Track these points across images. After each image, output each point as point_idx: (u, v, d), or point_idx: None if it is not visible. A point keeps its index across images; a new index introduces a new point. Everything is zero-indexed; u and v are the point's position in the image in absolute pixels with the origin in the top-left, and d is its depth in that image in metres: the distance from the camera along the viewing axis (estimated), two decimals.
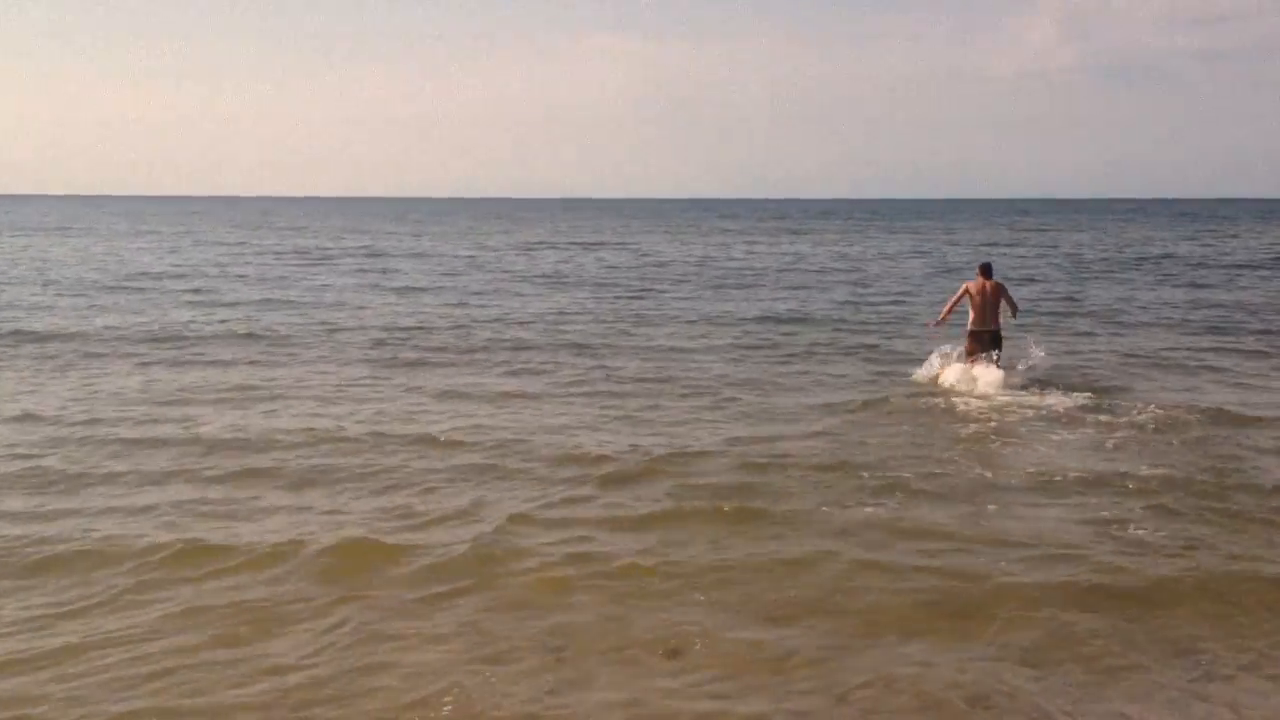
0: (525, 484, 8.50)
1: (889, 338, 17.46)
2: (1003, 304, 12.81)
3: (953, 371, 12.68)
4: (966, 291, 12.89)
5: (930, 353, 13.38)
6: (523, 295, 24.51)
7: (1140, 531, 7.30)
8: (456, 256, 39.72)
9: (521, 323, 19.20)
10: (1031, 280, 28.55)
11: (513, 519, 7.47)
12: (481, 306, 21.94)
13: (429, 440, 9.81)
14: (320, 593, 6.22)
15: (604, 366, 14.22)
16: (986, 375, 12.27)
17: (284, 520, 7.59)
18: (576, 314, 20.66)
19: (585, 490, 8.27)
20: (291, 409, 11.33)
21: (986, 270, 13.03)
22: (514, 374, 13.79)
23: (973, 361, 12.59)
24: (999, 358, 12.58)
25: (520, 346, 16.05)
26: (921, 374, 13.15)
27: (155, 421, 10.62)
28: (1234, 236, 53.83)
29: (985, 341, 12.64)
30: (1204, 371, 14.03)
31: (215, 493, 8.26)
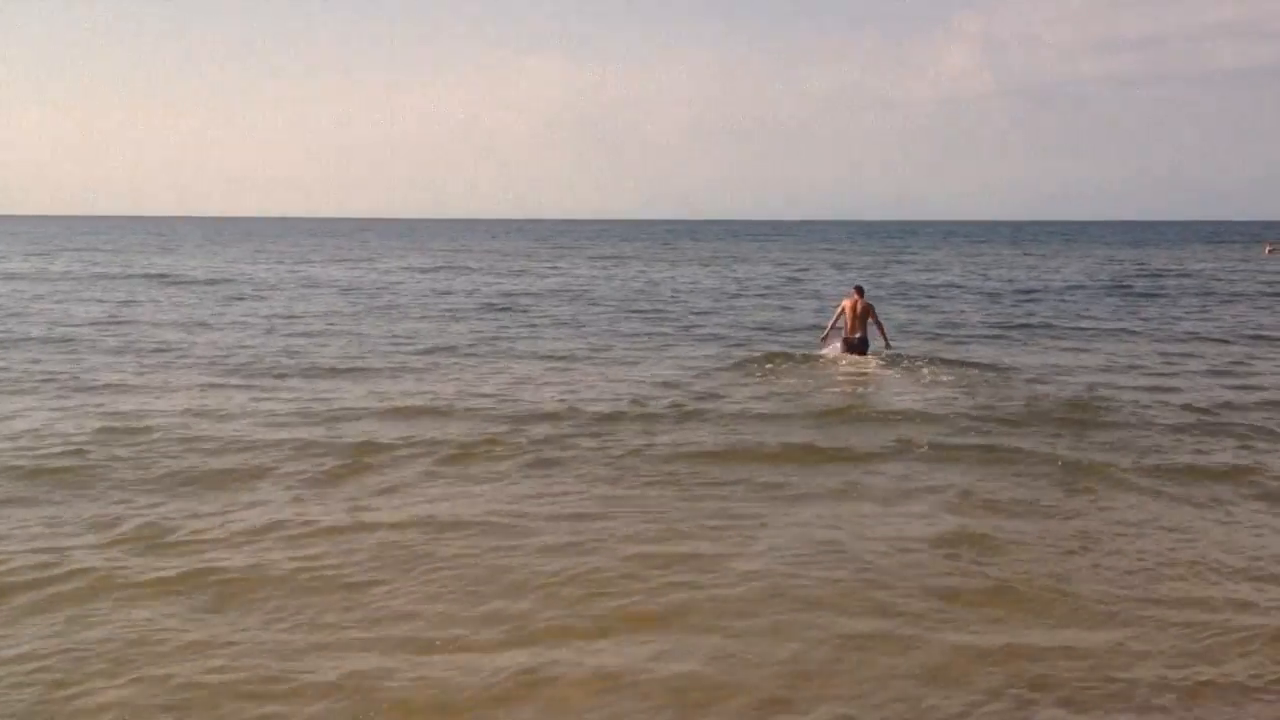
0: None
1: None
2: (870, 322, 15.75)
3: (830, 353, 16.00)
4: (843, 308, 15.92)
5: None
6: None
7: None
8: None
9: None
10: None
11: None
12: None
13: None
14: None
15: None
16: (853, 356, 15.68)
17: None
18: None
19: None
20: None
21: (860, 290, 16.06)
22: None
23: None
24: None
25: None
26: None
27: None
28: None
29: (855, 346, 15.70)
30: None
31: None
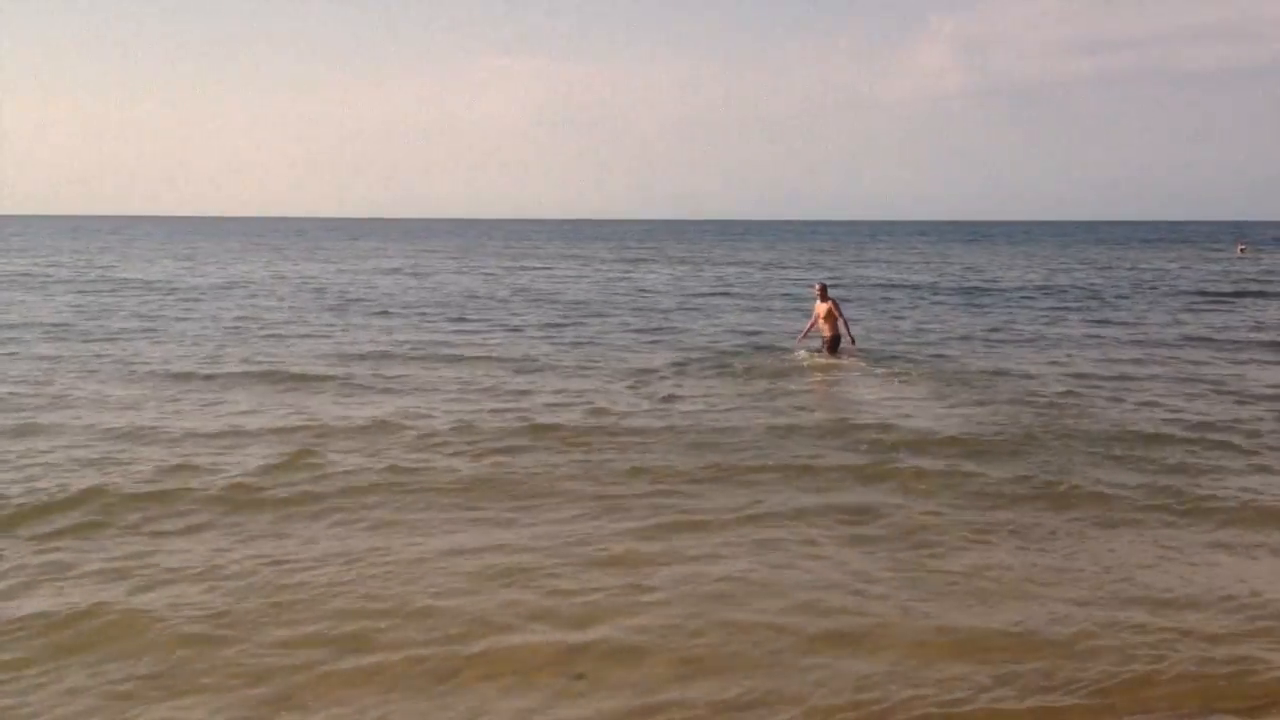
0: None
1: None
2: (839, 320, 16.68)
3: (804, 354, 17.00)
4: (815, 311, 16.94)
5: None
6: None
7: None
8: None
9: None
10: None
11: None
12: None
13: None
14: None
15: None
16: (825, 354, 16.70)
17: None
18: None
19: None
20: None
21: (823, 290, 17.07)
22: None
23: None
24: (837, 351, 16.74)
25: None
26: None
27: None
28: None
29: (829, 346, 16.73)
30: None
31: None
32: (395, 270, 44.58)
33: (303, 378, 14.71)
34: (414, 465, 9.57)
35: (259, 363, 16.22)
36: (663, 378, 14.95)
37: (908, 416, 12.02)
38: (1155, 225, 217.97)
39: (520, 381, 14.58)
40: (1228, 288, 34.04)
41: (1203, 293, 32.06)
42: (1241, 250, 64.12)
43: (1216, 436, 11.02)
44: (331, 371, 15.32)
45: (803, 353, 16.96)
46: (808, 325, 17.64)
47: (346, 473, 9.26)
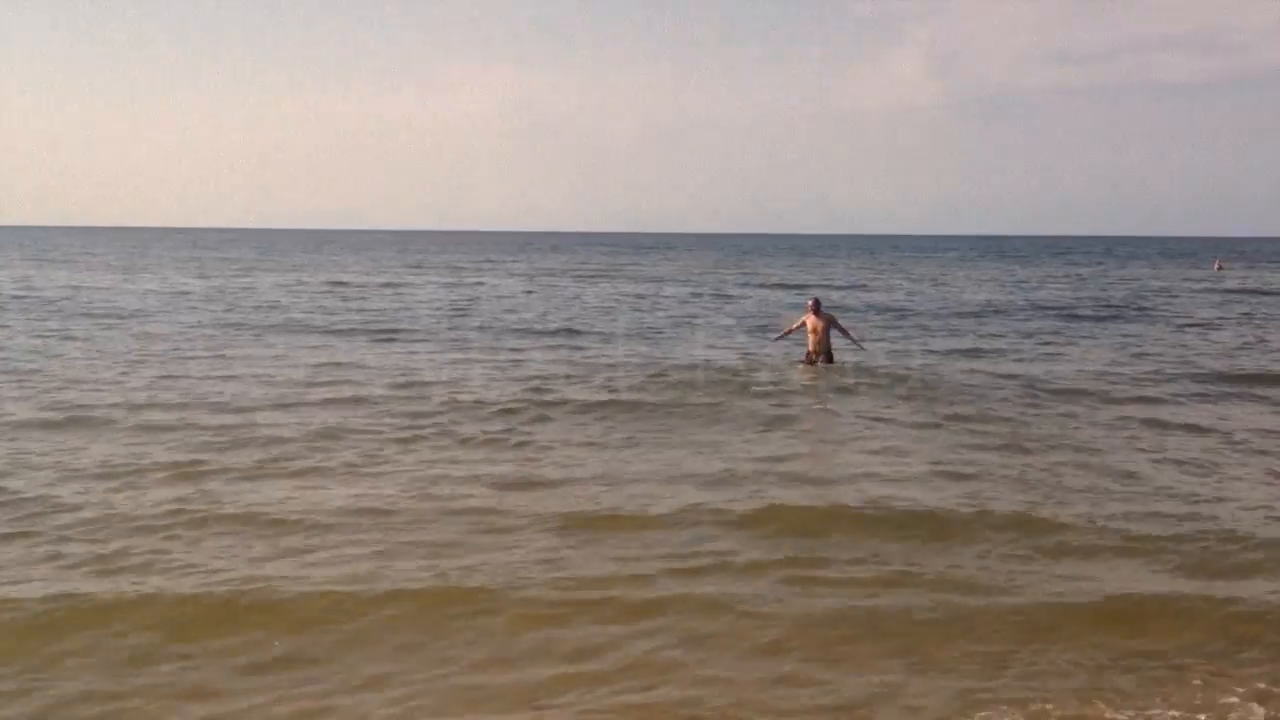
0: None
1: None
2: (834, 330, 15.98)
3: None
4: (803, 323, 16.11)
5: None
6: None
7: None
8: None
9: None
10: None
11: None
12: None
13: None
14: None
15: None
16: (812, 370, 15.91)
17: None
18: None
19: None
20: None
21: (816, 305, 16.18)
22: None
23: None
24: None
25: None
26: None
27: None
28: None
29: (815, 361, 15.90)
30: None
31: None
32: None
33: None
34: None
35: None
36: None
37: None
38: (1128, 240, 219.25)
39: None
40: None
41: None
42: (1219, 267, 64.09)
43: None
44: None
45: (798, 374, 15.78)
46: (787, 329, 17.16)
47: None
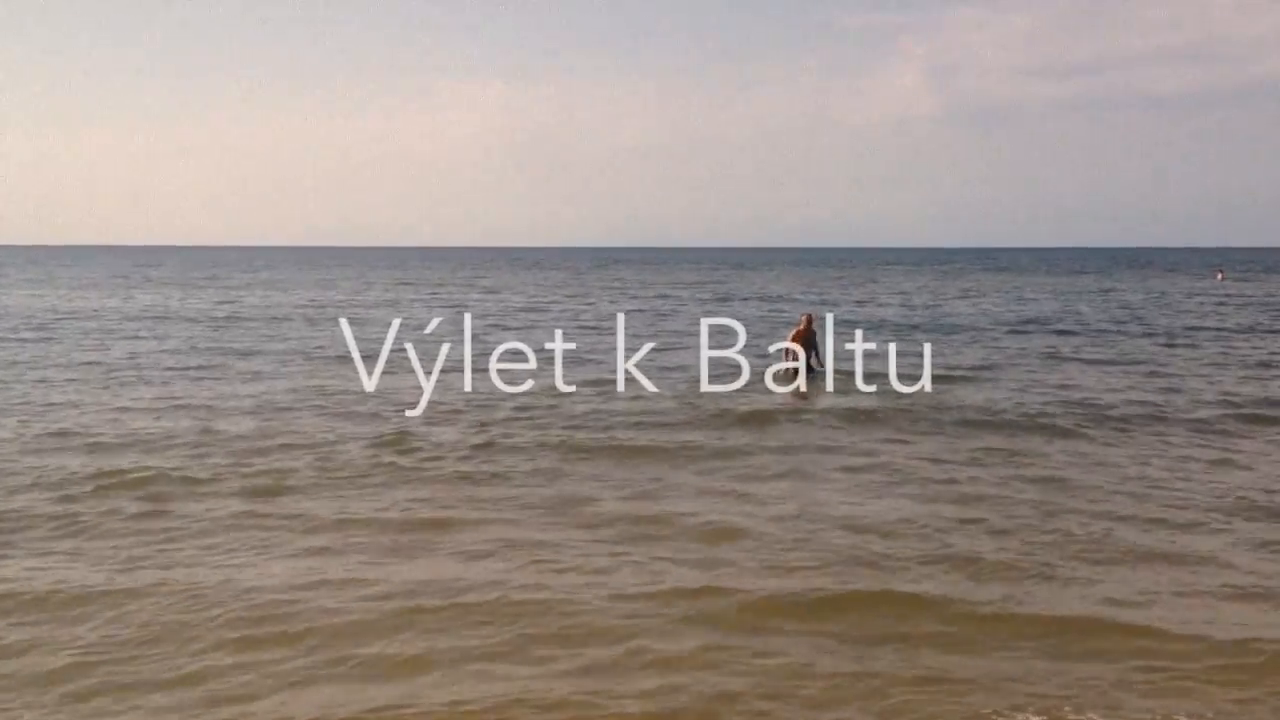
0: None
1: None
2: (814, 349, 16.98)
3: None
4: (799, 331, 17.03)
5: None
6: None
7: None
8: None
9: None
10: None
11: None
12: None
13: None
14: None
15: None
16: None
17: None
18: None
19: None
20: None
21: (808, 321, 17.17)
22: None
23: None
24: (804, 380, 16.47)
25: None
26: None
27: None
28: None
29: (791, 372, 16.66)
30: None
31: None
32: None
33: None
34: None
35: None
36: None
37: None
38: (1123, 251, 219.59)
39: None
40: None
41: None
42: (1221, 277, 63.60)
43: None
44: None
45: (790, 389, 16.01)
46: (785, 348, 17.34)
47: None
